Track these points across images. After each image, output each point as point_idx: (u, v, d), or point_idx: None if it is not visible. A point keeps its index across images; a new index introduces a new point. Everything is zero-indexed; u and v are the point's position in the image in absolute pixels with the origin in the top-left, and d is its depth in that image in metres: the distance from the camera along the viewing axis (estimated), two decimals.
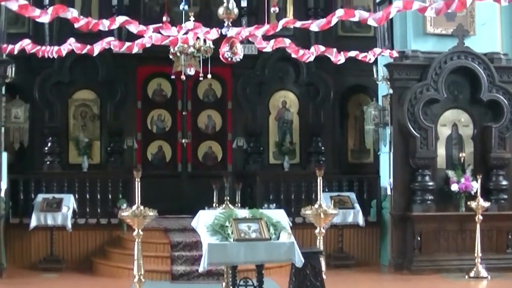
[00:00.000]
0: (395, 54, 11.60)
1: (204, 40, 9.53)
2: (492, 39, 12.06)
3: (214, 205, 8.97)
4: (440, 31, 11.77)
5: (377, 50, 11.40)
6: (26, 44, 10.14)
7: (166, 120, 15.68)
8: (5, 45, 10.75)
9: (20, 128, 13.35)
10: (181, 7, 8.41)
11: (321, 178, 9.00)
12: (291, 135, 15.84)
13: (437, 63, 11.61)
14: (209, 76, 9.69)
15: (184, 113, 15.44)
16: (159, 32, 8.87)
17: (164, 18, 8.48)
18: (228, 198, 8.90)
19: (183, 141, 15.33)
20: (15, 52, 10.36)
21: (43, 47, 10.38)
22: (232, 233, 7.74)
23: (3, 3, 7.58)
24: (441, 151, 12.03)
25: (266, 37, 9.43)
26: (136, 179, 8.11)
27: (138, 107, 15.52)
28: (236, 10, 7.57)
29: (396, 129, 11.93)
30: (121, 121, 15.19)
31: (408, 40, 11.90)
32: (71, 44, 10.02)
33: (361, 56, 10.95)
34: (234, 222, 7.85)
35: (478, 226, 11.27)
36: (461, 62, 11.70)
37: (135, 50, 9.81)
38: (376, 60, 11.94)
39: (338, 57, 10.49)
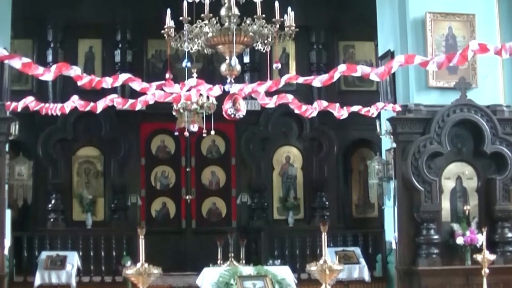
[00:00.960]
0: (398, 108, 11.62)
1: (207, 97, 9.58)
2: (495, 91, 12.08)
3: (218, 261, 8.92)
4: (443, 84, 11.79)
5: (380, 104, 11.43)
6: (29, 101, 10.16)
7: (170, 177, 15.69)
8: (8, 103, 10.78)
9: (24, 185, 13.33)
10: (184, 64, 8.44)
11: (325, 233, 8.92)
12: (295, 190, 15.83)
13: (440, 116, 11.62)
14: (213, 132, 9.70)
15: (187, 169, 15.47)
16: (162, 89, 8.90)
17: (167, 75, 8.51)
18: (232, 254, 8.86)
19: (187, 197, 15.31)
20: (19, 110, 10.38)
21: (47, 105, 10.40)
22: None
23: (6, 61, 7.63)
24: (446, 204, 11.95)
25: (269, 93, 9.46)
26: (140, 236, 8.03)
27: (141, 164, 15.55)
28: (238, 67, 7.60)
29: (400, 183, 11.88)
30: (125, 178, 15.20)
31: (411, 93, 11.92)
32: (75, 101, 10.05)
33: (364, 110, 10.97)
34: (239, 279, 7.79)
35: (484, 280, 11.14)
36: (464, 115, 11.70)
37: (139, 107, 9.84)
38: (379, 114, 11.97)
39: (341, 112, 10.51)
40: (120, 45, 15.63)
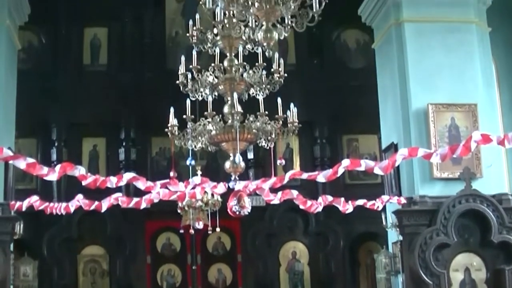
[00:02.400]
0: (403, 200, 11.58)
1: (212, 194, 9.58)
2: (499, 181, 12.07)
3: None
4: (447, 175, 11.78)
5: (385, 197, 11.39)
6: (34, 200, 10.17)
7: (176, 275, 15.53)
8: (13, 202, 10.78)
9: (29, 286, 13.21)
10: (188, 162, 8.49)
11: None
12: (302, 286, 15.64)
13: (445, 207, 11.57)
14: (218, 229, 9.65)
15: (193, 267, 15.31)
16: (167, 188, 8.92)
17: (172, 174, 8.54)
18: None
19: None
20: (23, 209, 10.38)
21: (51, 204, 10.40)
22: None
23: (11, 161, 7.66)
24: None
25: (274, 189, 9.46)
26: None
27: (147, 262, 15.41)
28: (242, 164, 7.61)
29: (408, 277, 11.73)
30: (130, 277, 15.06)
31: (416, 185, 11.89)
32: (79, 200, 10.06)
33: (369, 204, 10.94)
34: None
35: None
36: (469, 205, 11.64)
37: (143, 205, 9.84)
38: (384, 207, 11.92)
39: (346, 206, 10.49)
40: (124, 143, 15.73)
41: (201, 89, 7.76)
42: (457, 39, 12.01)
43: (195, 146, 7.99)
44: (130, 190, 13.73)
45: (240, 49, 7.62)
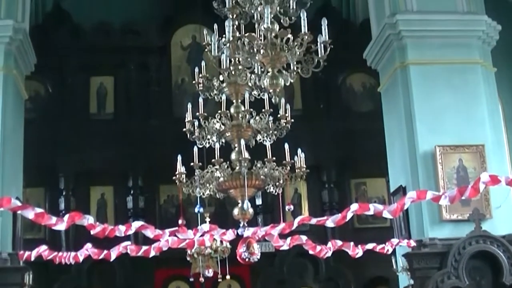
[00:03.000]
0: (412, 243, 11.50)
1: (221, 241, 9.54)
2: (509, 221, 11.97)
3: None
4: (457, 217, 11.71)
5: (394, 240, 11.32)
6: (42, 250, 10.14)
7: None
8: (22, 252, 10.75)
9: None
10: (196, 209, 8.48)
11: None
12: None
13: (456, 249, 11.48)
14: (228, 276, 9.60)
15: None
16: (176, 236, 8.88)
17: (180, 221, 8.54)
18: None
19: None
20: (32, 259, 10.34)
21: (60, 253, 10.36)
22: None
23: (19, 211, 7.65)
24: None
25: (283, 235, 9.41)
26: None
27: None
28: (251, 210, 7.59)
29: None
30: None
31: (425, 228, 11.82)
32: (88, 249, 10.02)
33: (378, 248, 10.87)
34: None
35: None
36: (480, 246, 11.54)
37: (152, 254, 9.79)
38: (394, 251, 11.84)
39: (356, 251, 10.43)
40: (132, 191, 15.73)
41: (208, 136, 7.78)
42: (462, 80, 12.04)
43: (203, 193, 7.99)
44: (139, 239, 13.68)
45: (247, 95, 7.65)
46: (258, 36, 5.95)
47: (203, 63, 7.89)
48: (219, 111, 7.83)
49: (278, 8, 6.13)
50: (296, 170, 7.73)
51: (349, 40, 15.64)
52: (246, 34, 6.01)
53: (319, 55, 5.73)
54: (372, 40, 12.94)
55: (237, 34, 6.31)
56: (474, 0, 12.45)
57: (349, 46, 15.01)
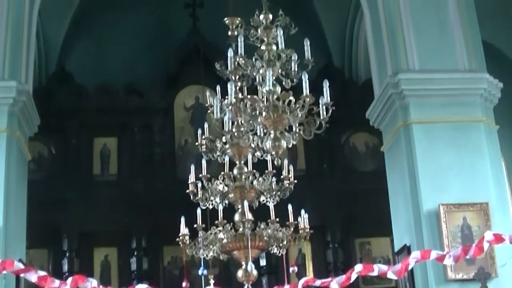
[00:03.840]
0: None
1: None
2: None
3: None
4: (462, 276, 11.60)
5: None
6: None
7: None
8: None
9: None
10: (200, 272, 8.43)
11: None
12: None
13: None
14: None
15: None
16: None
17: (184, 284, 8.46)
18: None
19: None
20: None
21: None
22: None
23: (22, 274, 7.61)
24: None
25: None
26: None
27: None
28: (255, 272, 7.55)
29: None
30: None
31: (430, 287, 11.72)
32: None
33: None
34: None
35: None
36: None
37: None
38: None
39: None
40: (135, 253, 15.64)
41: (212, 198, 7.78)
42: (465, 138, 12.04)
43: (206, 255, 7.95)
44: None
45: (250, 157, 7.67)
46: (260, 98, 5.99)
47: (206, 125, 7.93)
48: (222, 173, 7.84)
49: (279, 70, 6.18)
50: (300, 231, 7.71)
51: (351, 100, 15.74)
52: (248, 97, 6.05)
53: (321, 117, 5.76)
54: (375, 99, 13.00)
55: (240, 95, 6.36)
56: (475, 58, 12.51)
57: (352, 106, 15.09)
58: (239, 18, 7.63)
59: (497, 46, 16.74)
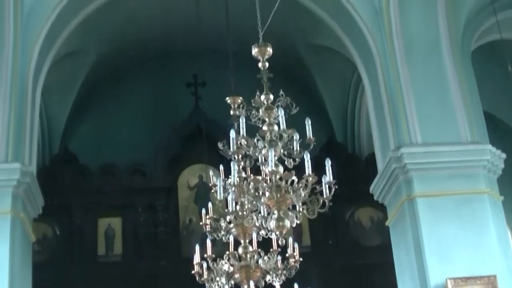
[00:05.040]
0: None
1: None
2: None
3: None
4: None
5: None
6: None
7: None
8: None
9: None
10: None
11: None
12: None
13: None
14: None
15: None
16: None
17: None
18: None
19: None
20: None
21: None
22: None
23: None
24: None
25: None
26: None
27: None
28: None
29: None
30: None
31: None
32: None
33: None
34: None
35: None
36: None
37: None
38: None
39: None
40: None
41: (217, 278, 7.73)
42: (470, 210, 11.99)
43: None
44: None
45: (254, 236, 7.64)
46: (263, 177, 6.01)
47: (210, 204, 7.93)
48: (227, 252, 7.80)
49: (282, 150, 6.21)
50: None
51: (355, 175, 15.74)
52: (252, 177, 6.07)
53: (325, 196, 5.77)
54: (378, 174, 13.01)
55: (243, 174, 6.37)
56: (477, 129, 12.56)
57: (356, 181, 15.10)
58: (240, 98, 7.70)
59: (499, 116, 16.86)
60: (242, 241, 7.79)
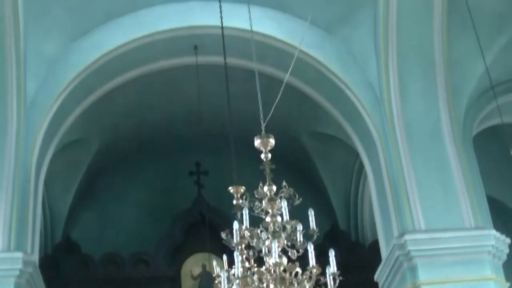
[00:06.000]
0: None
1: None
2: None
3: None
4: None
5: None
6: None
7: None
8: None
9: None
10: None
11: None
12: None
13: None
14: None
15: None
16: None
17: None
18: None
19: None
20: None
21: None
22: None
23: None
24: None
25: None
26: None
27: None
28: None
29: None
30: None
31: None
32: None
33: None
34: None
35: None
36: None
37: None
38: None
39: None
40: None
41: None
42: None
43: None
44: None
45: None
46: (267, 269, 5.96)
47: None
48: None
49: (285, 241, 6.18)
50: None
51: (359, 263, 15.62)
52: (256, 269, 6.03)
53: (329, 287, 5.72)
54: (382, 261, 12.89)
55: (246, 264, 6.32)
56: (481, 215, 12.49)
57: (360, 269, 14.97)
58: (243, 187, 7.68)
59: (502, 201, 16.81)
60: None
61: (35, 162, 12.71)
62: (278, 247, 5.78)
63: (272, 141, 6.69)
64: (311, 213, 6.38)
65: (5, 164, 12.27)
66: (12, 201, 12.10)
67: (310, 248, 5.83)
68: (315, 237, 6.25)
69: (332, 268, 5.79)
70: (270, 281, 5.74)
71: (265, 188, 6.49)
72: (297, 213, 6.71)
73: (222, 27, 9.39)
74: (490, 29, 12.81)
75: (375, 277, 13.27)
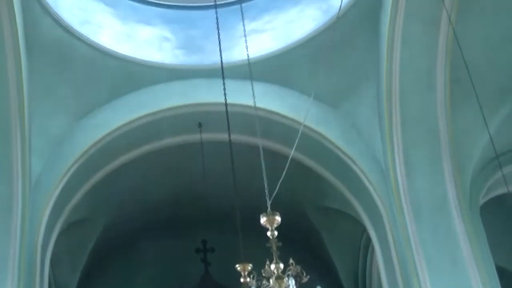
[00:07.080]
0: None
1: None
2: None
3: None
4: None
5: None
6: None
7: None
8: None
9: None
10: None
11: None
12: None
13: None
14: None
15: None
16: None
17: None
18: None
19: None
20: None
21: None
22: None
23: None
24: None
25: None
26: None
27: None
28: None
29: None
30: None
31: None
32: None
33: None
34: None
35: None
36: None
37: None
38: None
39: None
40: None
41: None
42: None
43: None
44: None
45: None
46: None
47: None
48: None
49: None
50: None
51: None
52: None
53: None
54: None
55: None
56: (490, 286, 12.31)
57: None
58: (250, 265, 7.61)
59: (510, 270, 16.64)
60: None
61: (41, 242, 12.64)
62: None
63: (278, 219, 6.64)
64: None
65: (11, 244, 12.18)
66: (18, 282, 11.99)
67: None
68: None
69: None
70: None
71: (272, 266, 6.40)
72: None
73: (226, 104, 9.41)
74: (493, 100, 12.85)
75: None
